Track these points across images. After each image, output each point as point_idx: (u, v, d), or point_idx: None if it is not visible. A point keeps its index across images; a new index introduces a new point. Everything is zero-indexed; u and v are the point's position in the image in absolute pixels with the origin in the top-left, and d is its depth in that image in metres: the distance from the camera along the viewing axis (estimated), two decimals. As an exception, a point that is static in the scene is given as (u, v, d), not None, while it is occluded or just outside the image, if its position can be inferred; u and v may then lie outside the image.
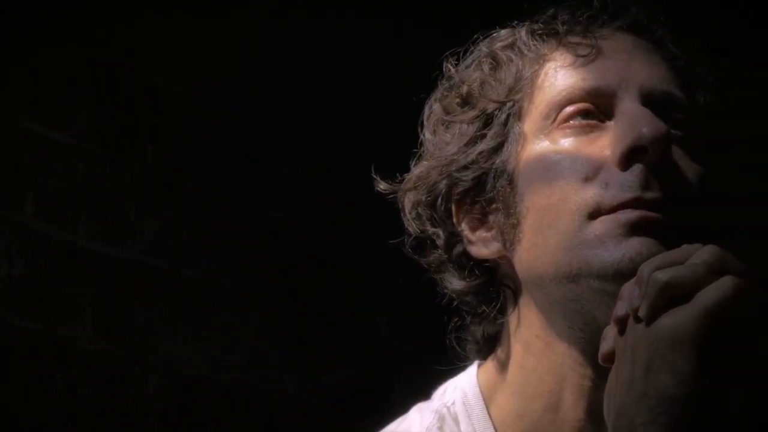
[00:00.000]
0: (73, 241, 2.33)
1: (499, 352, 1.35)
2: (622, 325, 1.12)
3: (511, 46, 1.38)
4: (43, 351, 2.27)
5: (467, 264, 1.36)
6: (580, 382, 1.28)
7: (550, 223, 1.27)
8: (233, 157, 2.65)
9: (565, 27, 1.35)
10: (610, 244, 1.22)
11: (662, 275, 1.09)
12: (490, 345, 1.37)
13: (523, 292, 1.32)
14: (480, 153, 1.33)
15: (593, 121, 1.29)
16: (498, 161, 1.33)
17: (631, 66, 1.32)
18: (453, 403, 1.36)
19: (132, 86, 2.51)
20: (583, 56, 1.32)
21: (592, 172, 1.26)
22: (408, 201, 1.39)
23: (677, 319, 1.07)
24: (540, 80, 1.34)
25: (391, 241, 1.41)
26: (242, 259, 2.59)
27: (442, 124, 1.39)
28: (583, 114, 1.30)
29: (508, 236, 1.31)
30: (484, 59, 1.38)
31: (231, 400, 2.50)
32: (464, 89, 1.38)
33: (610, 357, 1.14)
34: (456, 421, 1.34)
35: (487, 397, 1.35)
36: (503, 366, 1.34)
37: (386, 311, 2.66)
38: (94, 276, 2.37)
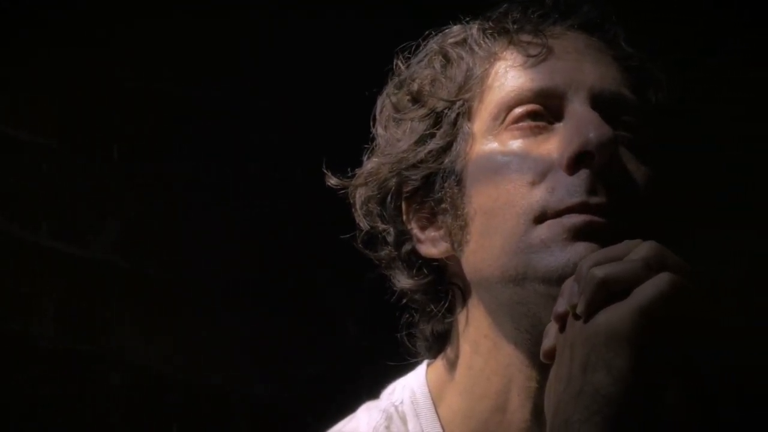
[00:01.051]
0: (35, 240, 2.34)
1: (449, 351, 1.35)
2: (562, 321, 1.12)
3: (462, 43, 1.37)
4: (4, 350, 2.28)
5: (416, 262, 1.35)
6: (527, 384, 1.28)
7: (496, 226, 1.26)
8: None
9: (516, 25, 1.35)
10: (555, 249, 1.22)
11: (599, 271, 1.09)
12: (439, 343, 1.36)
13: (471, 292, 1.32)
14: (429, 152, 1.33)
15: (542, 123, 1.29)
16: (447, 161, 1.32)
17: (582, 66, 1.31)
18: (401, 402, 1.36)
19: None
20: (533, 56, 1.31)
21: (539, 176, 1.25)
22: (359, 196, 1.39)
23: (613, 316, 1.07)
24: (490, 80, 1.33)
25: (342, 236, 1.41)
26: (207, 258, 2.59)
27: (393, 121, 1.39)
28: (532, 116, 1.29)
29: (456, 237, 1.31)
30: (435, 56, 1.38)
31: (196, 399, 2.50)
32: (415, 86, 1.37)
33: (551, 354, 1.14)
34: (404, 420, 1.34)
35: (436, 397, 1.34)
36: (452, 365, 1.34)
37: (355, 310, 2.65)
38: (56, 275, 2.37)
